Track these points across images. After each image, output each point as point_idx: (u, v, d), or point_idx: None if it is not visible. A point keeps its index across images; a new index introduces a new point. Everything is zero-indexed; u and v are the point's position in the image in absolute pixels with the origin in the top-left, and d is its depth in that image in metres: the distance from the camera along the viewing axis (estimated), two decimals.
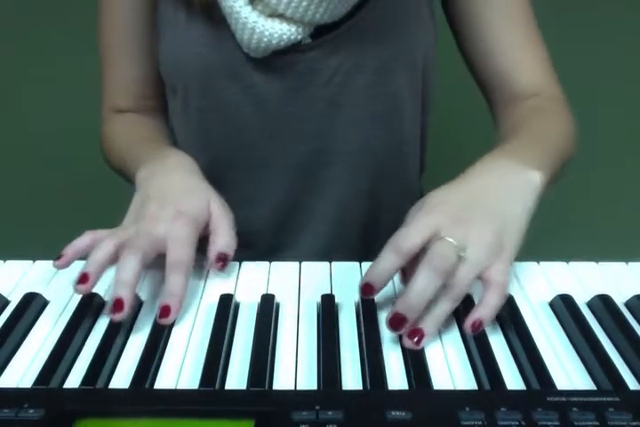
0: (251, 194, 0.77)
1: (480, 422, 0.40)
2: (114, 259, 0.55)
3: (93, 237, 0.57)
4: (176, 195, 0.60)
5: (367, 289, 0.52)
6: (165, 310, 0.52)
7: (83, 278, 0.53)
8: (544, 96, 0.74)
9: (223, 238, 0.59)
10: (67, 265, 0.56)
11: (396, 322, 0.49)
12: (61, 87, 1.38)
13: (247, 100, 0.72)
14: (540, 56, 0.75)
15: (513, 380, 0.46)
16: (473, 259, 0.51)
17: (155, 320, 0.52)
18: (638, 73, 1.40)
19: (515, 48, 0.74)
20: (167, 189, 0.61)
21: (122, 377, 0.46)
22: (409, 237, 0.51)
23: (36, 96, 1.42)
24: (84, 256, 0.59)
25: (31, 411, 0.41)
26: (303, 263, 0.61)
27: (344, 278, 0.59)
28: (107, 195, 1.38)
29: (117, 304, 0.51)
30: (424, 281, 0.49)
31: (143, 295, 0.56)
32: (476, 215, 0.53)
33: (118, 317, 0.51)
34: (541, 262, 0.60)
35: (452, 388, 0.45)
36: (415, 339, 0.49)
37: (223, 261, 0.58)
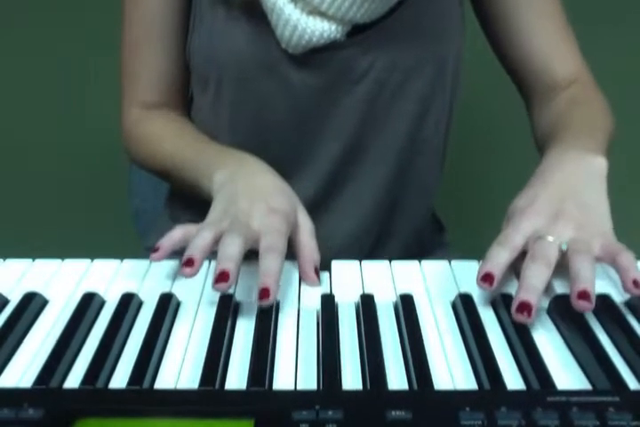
0: None
1: (480, 422, 0.40)
2: (213, 247, 0.55)
3: (186, 230, 0.59)
4: (266, 193, 0.61)
5: (487, 278, 0.53)
6: (265, 292, 0.52)
7: (189, 262, 0.53)
8: (580, 84, 0.78)
9: (312, 252, 0.60)
10: (163, 257, 0.57)
11: (524, 308, 0.50)
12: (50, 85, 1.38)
13: (281, 95, 0.73)
14: (573, 44, 0.78)
15: (513, 380, 0.46)
16: (576, 247, 0.54)
17: (154, 320, 0.52)
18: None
19: (551, 39, 0.77)
20: (256, 187, 0.62)
21: (122, 377, 0.46)
22: (512, 236, 0.55)
23: (34, 94, 1.42)
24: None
25: (31, 411, 0.41)
26: None
27: (344, 278, 0.59)
28: (106, 195, 1.38)
29: (223, 275, 0.51)
30: (535, 273, 0.52)
31: (143, 296, 0.56)
32: (567, 209, 0.57)
33: (224, 286, 0.51)
34: None
35: (451, 388, 0.45)
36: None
37: (317, 274, 0.59)
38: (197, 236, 0.56)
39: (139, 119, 0.79)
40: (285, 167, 0.76)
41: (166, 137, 0.77)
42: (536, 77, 0.79)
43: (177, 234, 0.59)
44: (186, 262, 0.53)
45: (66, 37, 1.33)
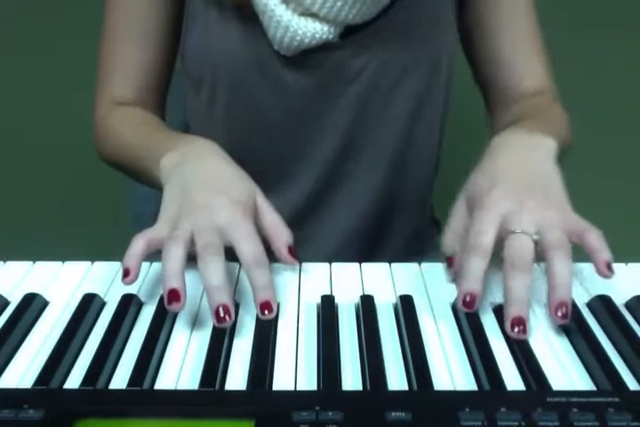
0: (273, 189, 0.75)
1: (480, 423, 0.40)
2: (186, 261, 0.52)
3: (147, 239, 0.54)
4: (222, 182, 0.58)
5: (471, 299, 0.52)
6: (266, 306, 0.51)
7: (174, 296, 0.50)
8: (544, 96, 0.78)
9: (284, 232, 0.58)
10: (136, 279, 0.53)
11: (517, 323, 0.50)
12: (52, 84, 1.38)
13: (275, 96, 0.73)
14: (544, 59, 0.78)
15: (513, 380, 0.46)
16: (551, 240, 0.52)
17: (154, 321, 0.52)
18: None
19: (522, 51, 0.77)
20: (209, 176, 0.59)
21: (122, 378, 0.46)
22: (484, 236, 0.53)
23: (34, 94, 1.42)
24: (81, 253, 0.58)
25: (31, 411, 0.41)
26: (303, 264, 0.61)
27: (344, 279, 0.59)
28: (106, 195, 1.38)
29: (225, 311, 0.49)
30: (518, 284, 0.51)
31: (143, 297, 0.56)
32: (529, 191, 0.56)
33: (225, 325, 0.49)
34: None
35: (451, 388, 0.45)
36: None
37: (294, 254, 0.57)
38: (168, 259, 0.51)
39: (105, 116, 0.77)
40: (281, 167, 0.76)
41: (125, 130, 0.74)
42: (503, 88, 0.78)
43: (139, 248, 0.54)
44: (171, 297, 0.50)
45: (67, 37, 1.33)
